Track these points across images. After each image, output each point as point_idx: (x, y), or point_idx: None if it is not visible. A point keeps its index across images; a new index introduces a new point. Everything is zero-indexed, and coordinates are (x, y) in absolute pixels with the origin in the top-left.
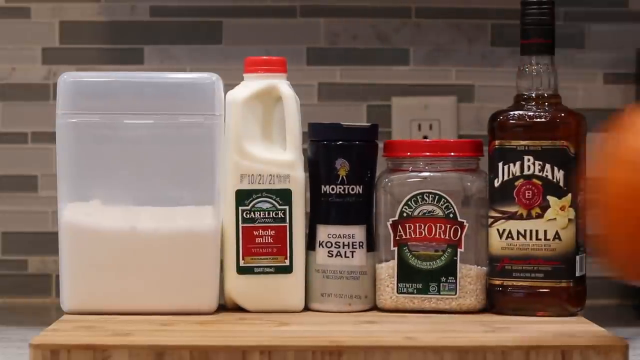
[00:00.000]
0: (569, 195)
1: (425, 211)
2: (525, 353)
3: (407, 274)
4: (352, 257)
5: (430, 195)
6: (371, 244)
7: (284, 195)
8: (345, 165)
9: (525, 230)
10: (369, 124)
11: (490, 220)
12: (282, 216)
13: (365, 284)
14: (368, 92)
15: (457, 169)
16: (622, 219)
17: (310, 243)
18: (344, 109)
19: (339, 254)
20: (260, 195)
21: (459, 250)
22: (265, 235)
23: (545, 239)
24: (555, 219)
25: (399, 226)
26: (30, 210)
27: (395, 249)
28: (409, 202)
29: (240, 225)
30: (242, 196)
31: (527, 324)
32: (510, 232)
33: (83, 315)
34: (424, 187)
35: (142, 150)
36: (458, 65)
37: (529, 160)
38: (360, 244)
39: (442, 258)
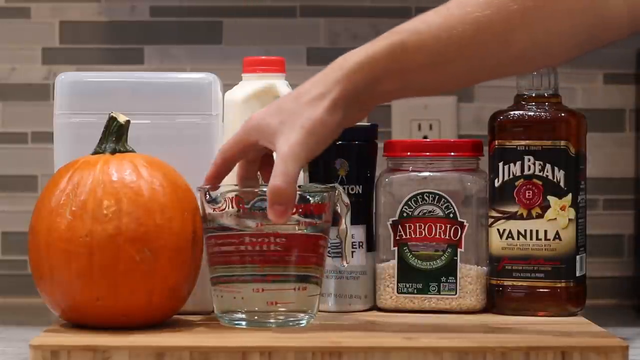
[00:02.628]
0: (570, 195)
1: (425, 211)
2: (525, 353)
3: (407, 274)
4: (352, 257)
5: (430, 195)
6: (371, 244)
7: None
8: (345, 165)
9: (525, 230)
10: (369, 124)
11: (491, 220)
12: None
13: (365, 284)
14: None
15: (457, 169)
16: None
17: None
18: None
19: (338, 254)
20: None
21: (459, 250)
22: None
23: (546, 239)
24: (555, 219)
25: (399, 226)
26: (30, 210)
27: (395, 249)
28: (409, 202)
29: None
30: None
31: (527, 324)
32: (510, 232)
33: None
34: (424, 187)
35: (140, 151)
36: None
37: (529, 160)
38: (360, 244)
39: (442, 258)
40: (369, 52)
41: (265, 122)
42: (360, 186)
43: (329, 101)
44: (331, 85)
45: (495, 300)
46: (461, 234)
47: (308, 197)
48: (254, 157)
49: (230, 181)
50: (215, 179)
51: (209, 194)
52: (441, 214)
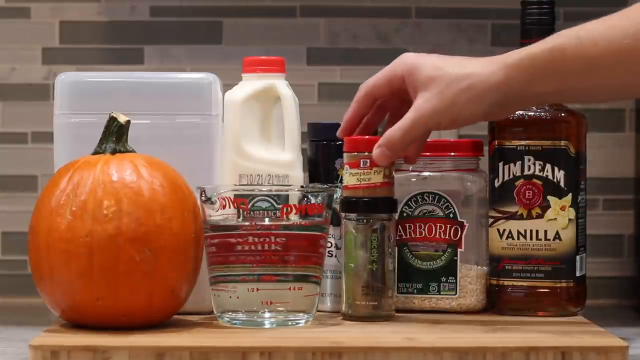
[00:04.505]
0: (570, 195)
1: (425, 211)
2: (525, 353)
3: (407, 274)
4: None
5: (430, 195)
6: None
7: (283, 195)
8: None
9: (525, 230)
10: None
11: (491, 220)
12: None
13: None
14: None
15: (457, 169)
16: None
17: None
18: (344, 109)
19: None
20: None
21: (459, 250)
22: None
23: (546, 239)
24: (555, 219)
25: (399, 226)
26: (30, 210)
27: (396, 248)
28: (409, 202)
29: None
30: None
31: (527, 324)
32: (510, 232)
33: None
34: (424, 187)
35: (140, 151)
36: None
37: (529, 160)
38: None
39: (442, 258)
40: (529, 52)
41: (419, 67)
42: None
43: (482, 90)
44: (490, 73)
45: (495, 300)
46: (461, 234)
47: (309, 196)
48: (390, 104)
49: (227, 182)
50: (355, 118)
51: (205, 194)
52: (441, 214)
